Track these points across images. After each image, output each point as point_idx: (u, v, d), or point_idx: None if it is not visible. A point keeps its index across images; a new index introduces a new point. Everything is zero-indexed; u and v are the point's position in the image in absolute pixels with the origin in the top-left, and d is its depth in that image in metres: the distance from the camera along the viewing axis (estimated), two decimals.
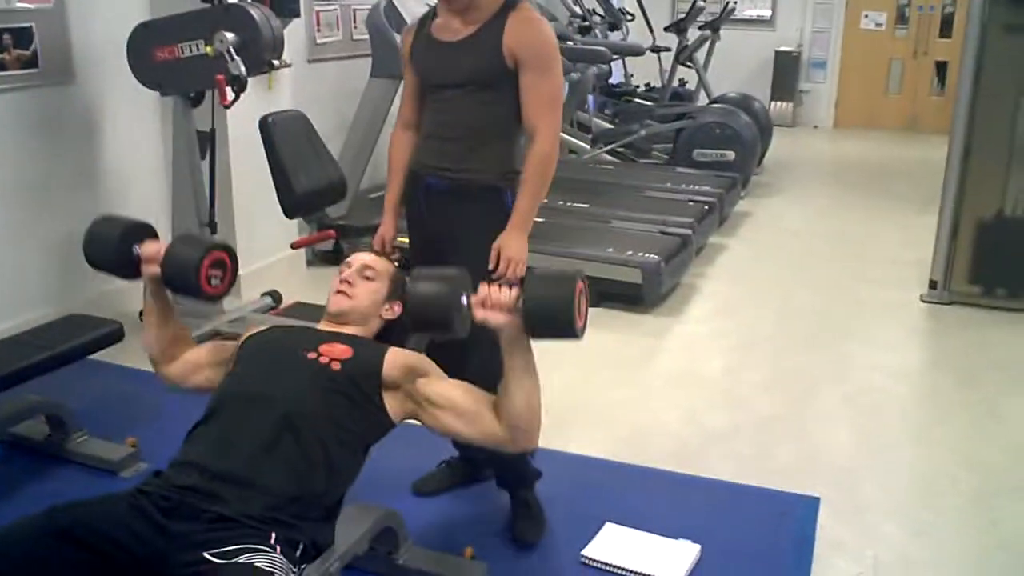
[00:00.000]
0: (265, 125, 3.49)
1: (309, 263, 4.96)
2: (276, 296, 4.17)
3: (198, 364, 2.16)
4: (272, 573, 1.65)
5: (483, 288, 1.88)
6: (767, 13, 10.37)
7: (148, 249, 2.07)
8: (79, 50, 3.91)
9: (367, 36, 5.21)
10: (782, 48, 10.17)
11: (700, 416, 3.35)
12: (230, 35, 3.41)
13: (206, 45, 3.45)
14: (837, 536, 2.59)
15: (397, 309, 2.18)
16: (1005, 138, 4.30)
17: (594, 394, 3.51)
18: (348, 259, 2.24)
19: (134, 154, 4.25)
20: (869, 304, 4.60)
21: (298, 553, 1.77)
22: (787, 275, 5.10)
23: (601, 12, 8.07)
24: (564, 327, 1.81)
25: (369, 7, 5.27)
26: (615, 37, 7.92)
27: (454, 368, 2.07)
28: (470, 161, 2.36)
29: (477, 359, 2.14)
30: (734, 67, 9.42)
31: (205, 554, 1.64)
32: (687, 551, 2.43)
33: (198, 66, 3.51)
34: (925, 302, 4.57)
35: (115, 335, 2.97)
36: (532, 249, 2.37)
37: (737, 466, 2.97)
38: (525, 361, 1.89)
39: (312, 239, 4.00)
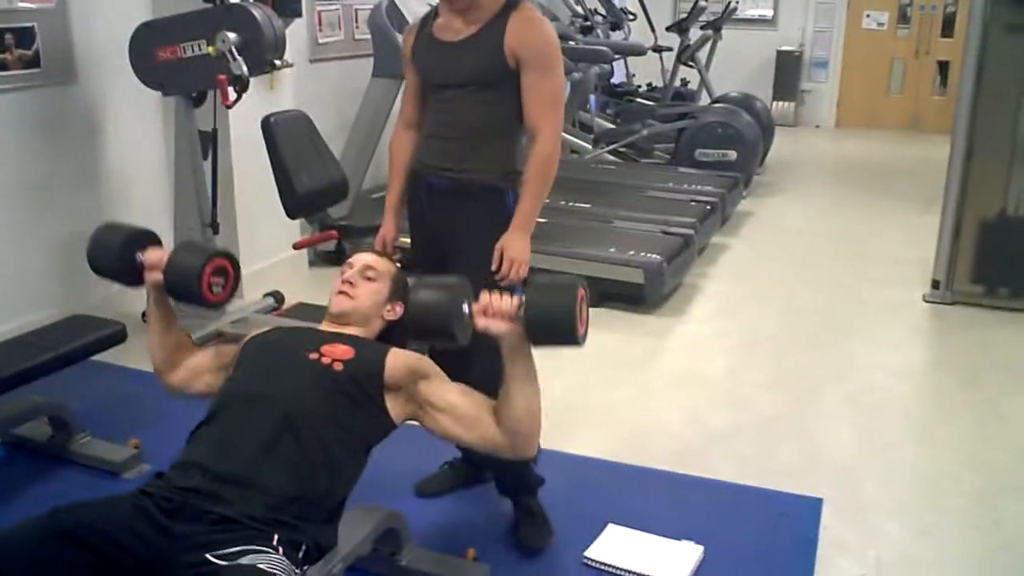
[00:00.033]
0: (267, 125, 3.49)
1: (311, 263, 4.96)
2: (278, 297, 4.17)
3: (200, 370, 2.16)
4: (275, 574, 1.64)
5: (484, 296, 1.89)
6: (769, 13, 10.36)
7: (151, 256, 2.08)
8: (81, 50, 3.92)
9: (369, 36, 5.21)
10: (784, 48, 10.16)
11: (702, 416, 3.35)
12: (232, 35, 3.40)
13: (208, 45, 3.45)
14: (839, 536, 2.58)
15: (399, 310, 2.18)
16: (1007, 137, 4.29)
17: (596, 394, 3.51)
18: (350, 259, 2.23)
19: (136, 154, 4.25)
20: (871, 304, 4.60)
21: (301, 554, 1.76)
22: (789, 275, 5.09)
23: (603, 12, 8.08)
24: (566, 335, 1.82)
25: (371, 7, 5.27)
26: (617, 37, 7.92)
27: (455, 374, 2.06)
28: (472, 161, 2.36)
29: (479, 366, 2.13)
30: (736, 67, 9.42)
31: (208, 555, 1.64)
32: (690, 552, 2.43)
33: (200, 66, 3.50)
34: (928, 302, 4.56)
35: (118, 336, 2.97)
36: (534, 249, 2.36)
37: (739, 466, 2.97)
38: (526, 368, 1.90)
39: (314, 239, 4.00)
